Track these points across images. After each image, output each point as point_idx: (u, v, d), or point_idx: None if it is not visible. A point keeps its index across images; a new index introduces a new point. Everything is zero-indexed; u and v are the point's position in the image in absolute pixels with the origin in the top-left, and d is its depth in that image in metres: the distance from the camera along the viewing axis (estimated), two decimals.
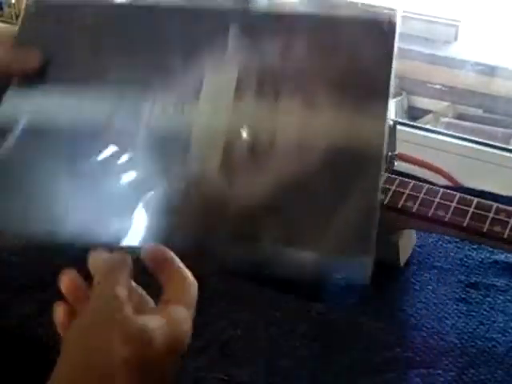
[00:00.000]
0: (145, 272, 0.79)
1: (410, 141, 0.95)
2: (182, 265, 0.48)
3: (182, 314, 0.48)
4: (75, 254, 0.79)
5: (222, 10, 0.58)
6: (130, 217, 0.51)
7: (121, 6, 0.61)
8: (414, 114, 1.32)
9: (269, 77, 0.54)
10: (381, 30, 0.54)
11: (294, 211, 0.50)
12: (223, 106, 0.54)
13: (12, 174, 0.55)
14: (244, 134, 0.53)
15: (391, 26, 0.54)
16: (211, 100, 0.55)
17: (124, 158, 0.53)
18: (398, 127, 0.83)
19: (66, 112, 0.57)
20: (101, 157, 0.54)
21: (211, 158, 0.52)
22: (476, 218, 0.68)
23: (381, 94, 0.52)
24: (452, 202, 0.70)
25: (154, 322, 0.45)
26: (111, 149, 0.54)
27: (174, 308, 0.48)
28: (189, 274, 0.49)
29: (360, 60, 0.54)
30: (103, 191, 0.53)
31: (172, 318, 0.47)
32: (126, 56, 0.58)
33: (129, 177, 0.53)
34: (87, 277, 0.51)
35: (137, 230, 0.51)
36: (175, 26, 0.58)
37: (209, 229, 0.51)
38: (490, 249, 0.79)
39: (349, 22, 0.55)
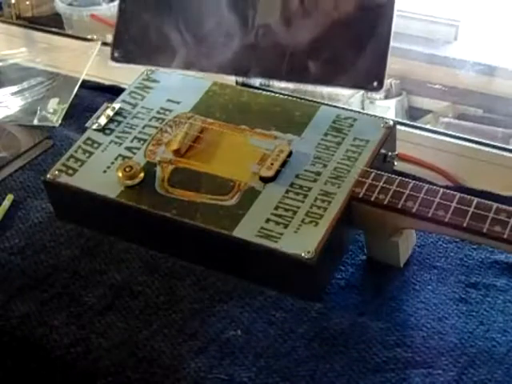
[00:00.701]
0: (145, 272, 0.79)
1: (410, 141, 0.95)
2: None
3: None
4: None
5: None
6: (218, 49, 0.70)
7: None
8: (414, 114, 1.31)
9: None
10: None
11: (330, 53, 0.64)
12: None
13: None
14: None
15: None
16: None
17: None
18: (398, 127, 0.83)
19: None
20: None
21: (273, 13, 0.67)
22: (476, 218, 0.68)
23: None
24: (452, 202, 0.70)
25: None
26: None
27: None
28: None
29: None
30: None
31: None
32: None
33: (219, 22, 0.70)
34: None
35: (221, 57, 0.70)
36: None
37: (270, 62, 0.66)
38: (490, 249, 0.79)
39: None
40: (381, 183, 0.73)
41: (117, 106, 0.89)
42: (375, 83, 0.58)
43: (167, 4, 0.72)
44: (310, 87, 0.67)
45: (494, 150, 0.95)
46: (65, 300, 0.76)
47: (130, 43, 0.81)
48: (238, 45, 0.65)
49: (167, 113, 0.87)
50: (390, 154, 0.81)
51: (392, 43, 1.27)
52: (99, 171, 0.82)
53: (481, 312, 0.73)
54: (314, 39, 0.62)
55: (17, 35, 1.32)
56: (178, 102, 0.88)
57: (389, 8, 0.59)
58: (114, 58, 0.84)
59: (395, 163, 0.82)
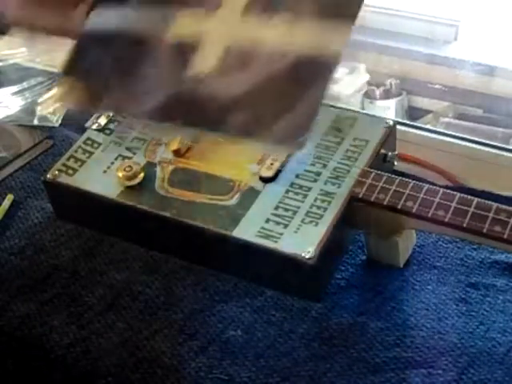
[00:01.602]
0: (145, 272, 0.79)
1: (410, 141, 0.95)
2: None
3: None
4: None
5: None
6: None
7: None
8: (414, 114, 1.32)
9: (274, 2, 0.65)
10: None
11: (256, 107, 0.61)
12: (232, 21, 0.66)
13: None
14: (238, 47, 0.65)
15: None
16: (223, 15, 0.66)
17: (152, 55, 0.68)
18: (398, 127, 0.83)
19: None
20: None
21: (210, 58, 0.65)
22: (476, 218, 0.68)
23: (349, 14, 0.60)
24: (452, 202, 0.70)
25: None
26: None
27: None
28: None
29: None
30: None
31: None
32: None
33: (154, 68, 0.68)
34: None
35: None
36: None
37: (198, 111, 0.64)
38: (490, 249, 0.79)
39: None
40: (381, 183, 0.73)
41: None
42: (298, 141, 0.59)
43: (103, 43, 0.72)
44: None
45: (494, 150, 0.95)
46: (65, 300, 0.76)
47: None
48: (169, 93, 0.65)
49: None
50: (389, 153, 0.81)
51: (392, 43, 1.28)
52: (99, 171, 0.82)
53: (481, 312, 0.73)
54: (244, 92, 0.62)
55: (17, 35, 1.32)
56: None
57: (326, 70, 0.59)
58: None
59: (395, 163, 0.82)
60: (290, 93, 0.61)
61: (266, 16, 0.65)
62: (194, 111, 0.64)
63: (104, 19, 0.73)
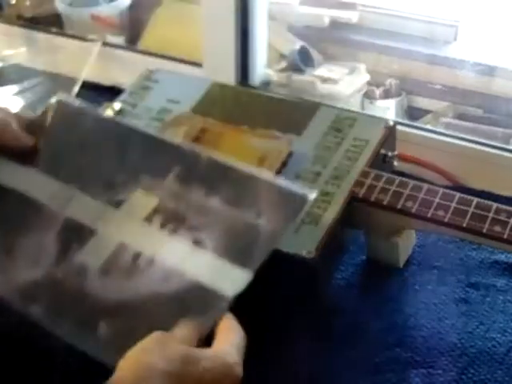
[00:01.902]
0: None
1: (410, 141, 0.95)
2: (230, 315, 0.57)
3: (232, 351, 0.54)
4: None
5: (178, 150, 0.70)
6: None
7: (110, 122, 0.77)
8: (414, 114, 1.32)
9: (178, 215, 0.65)
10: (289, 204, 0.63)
11: (131, 323, 0.60)
12: (132, 222, 0.66)
13: None
14: (131, 251, 0.64)
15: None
16: (126, 213, 0.67)
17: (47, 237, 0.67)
18: (398, 127, 0.83)
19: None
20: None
21: (97, 258, 0.64)
22: (476, 218, 0.68)
23: (250, 265, 0.60)
24: (452, 202, 0.70)
25: (203, 352, 0.53)
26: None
27: (223, 346, 0.54)
28: (236, 322, 0.56)
29: (255, 225, 0.62)
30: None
31: (221, 351, 0.53)
32: (90, 160, 0.72)
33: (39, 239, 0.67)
34: None
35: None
36: (138, 148, 0.72)
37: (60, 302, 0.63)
38: (490, 249, 0.79)
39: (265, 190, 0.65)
40: (381, 183, 0.73)
41: (117, 106, 0.88)
42: None
43: None
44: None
45: (494, 150, 0.95)
46: None
47: None
48: (40, 272, 0.64)
49: (167, 113, 0.87)
50: (389, 153, 0.81)
51: (392, 43, 1.28)
52: None
53: (481, 312, 0.73)
54: (121, 301, 0.60)
55: (17, 35, 1.32)
56: (178, 102, 0.88)
57: (220, 303, 0.59)
58: None
59: (395, 163, 0.82)
60: (172, 314, 0.59)
61: (171, 226, 0.65)
62: (63, 301, 0.62)
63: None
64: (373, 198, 0.72)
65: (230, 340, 0.55)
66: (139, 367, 0.51)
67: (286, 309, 0.66)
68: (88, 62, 1.18)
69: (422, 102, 1.33)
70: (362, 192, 0.73)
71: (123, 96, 0.90)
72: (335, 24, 1.36)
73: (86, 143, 0.74)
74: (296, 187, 0.64)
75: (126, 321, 0.60)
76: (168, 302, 0.60)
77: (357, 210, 0.74)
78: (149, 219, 0.66)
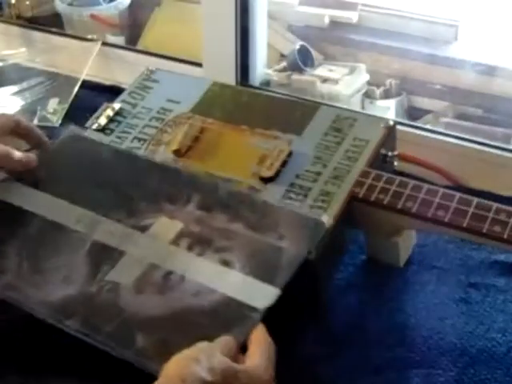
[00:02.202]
0: None
1: (410, 141, 0.95)
2: (262, 326, 0.61)
3: (268, 366, 0.58)
4: None
5: (194, 179, 0.76)
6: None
7: (116, 152, 0.82)
8: (414, 114, 1.32)
9: (204, 238, 0.70)
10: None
11: (167, 335, 0.62)
12: (160, 245, 0.70)
13: None
14: (162, 270, 0.67)
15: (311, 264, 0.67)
16: (153, 237, 0.71)
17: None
18: (398, 127, 0.83)
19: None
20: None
21: (129, 276, 0.67)
22: (476, 218, 0.68)
23: (280, 276, 0.65)
24: (452, 202, 0.70)
25: (241, 366, 0.57)
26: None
27: (259, 360, 0.58)
28: (267, 334, 0.60)
29: (278, 248, 0.68)
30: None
31: (257, 367, 0.57)
32: (95, 189, 0.77)
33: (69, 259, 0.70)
34: None
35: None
36: (155, 177, 0.77)
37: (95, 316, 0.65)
38: (490, 249, 0.79)
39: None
40: (381, 183, 0.73)
41: (117, 106, 0.88)
42: None
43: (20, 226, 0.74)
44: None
45: (494, 150, 0.95)
46: None
47: None
48: (73, 288, 0.67)
49: (167, 113, 0.87)
50: (389, 154, 0.81)
51: (392, 43, 1.28)
52: None
53: (481, 312, 0.73)
54: (155, 315, 0.63)
55: (17, 35, 1.32)
56: (178, 102, 0.88)
57: (253, 315, 0.62)
58: None
59: (395, 163, 0.82)
60: (207, 326, 0.62)
61: (198, 248, 0.69)
62: (98, 315, 0.64)
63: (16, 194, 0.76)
64: (373, 198, 0.72)
65: (263, 353, 0.58)
66: (183, 373, 0.54)
67: (285, 309, 0.66)
68: (88, 61, 1.18)
69: (422, 102, 1.33)
70: (362, 192, 0.73)
71: (123, 96, 0.90)
72: (335, 24, 1.36)
73: (102, 172, 0.79)
74: (312, 214, 0.71)
75: (161, 333, 0.63)
76: (201, 315, 0.63)
77: (357, 210, 0.74)
78: (176, 242, 0.70)
